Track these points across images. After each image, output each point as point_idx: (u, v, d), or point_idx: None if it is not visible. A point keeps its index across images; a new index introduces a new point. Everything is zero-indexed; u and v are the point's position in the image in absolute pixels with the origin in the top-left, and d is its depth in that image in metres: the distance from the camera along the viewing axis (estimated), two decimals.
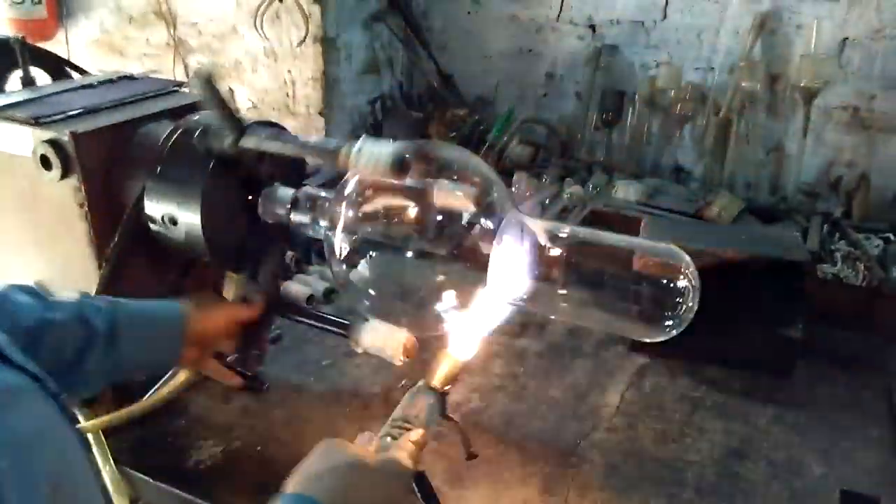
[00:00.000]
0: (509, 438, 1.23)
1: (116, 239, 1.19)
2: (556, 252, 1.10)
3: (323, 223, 1.13)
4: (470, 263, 1.07)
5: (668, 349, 1.35)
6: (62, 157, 1.16)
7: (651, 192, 2.13)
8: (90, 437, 1.14)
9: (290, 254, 1.65)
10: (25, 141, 1.19)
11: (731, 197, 2.11)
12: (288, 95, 2.52)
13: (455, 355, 0.99)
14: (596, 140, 2.43)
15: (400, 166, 0.96)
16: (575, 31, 2.42)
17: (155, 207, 1.16)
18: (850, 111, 2.12)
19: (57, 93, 1.36)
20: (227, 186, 1.16)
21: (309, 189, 1.17)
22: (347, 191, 1.10)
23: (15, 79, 1.60)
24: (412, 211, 1.07)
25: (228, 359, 1.22)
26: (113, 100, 1.31)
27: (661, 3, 2.26)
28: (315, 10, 2.34)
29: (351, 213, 1.10)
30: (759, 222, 2.04)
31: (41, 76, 1.64)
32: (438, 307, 1.06)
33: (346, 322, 1.16)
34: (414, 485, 0.87)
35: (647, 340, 1.15)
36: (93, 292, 1.16)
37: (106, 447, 1.13)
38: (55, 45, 2.66)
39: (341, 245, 1.11)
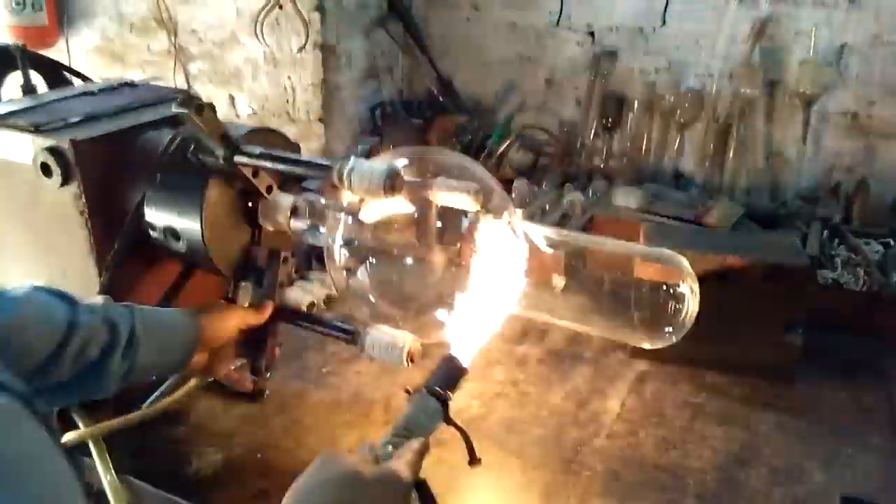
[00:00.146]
0: (510, 445, 1.23)
1: (117, 246, 1.19)
2: (555, 258, 1.10)
3: (322, 230, 1.14)
4: (469, 270, 1.07)
5: (668, 355, 1.36)
6: (62, 165, 1.16)
7: (651, 198, 2.13)
8: (91, 444, 1.14)
9: (290, 260, 1.65)
10: (26, 148, 1.19)
11: (731, 203, 2.11)
12: (288, 102, 2.53)
13: (459, 360, 0.99)
14: (596, 146, 2.43)
15: (392, 186, 0.96)
16: (574, 37, 2.43)
17: (155, 215, 1.17)
18: (848, 117, 2.12)
19: (57, 100, 1.37)
20: (227, 194, 1.16)
21: (309, 196, 1.17)
22: (346, 198, 1.10)
23: (13, 83, 1.60)
24: (411, 217, 1.08)
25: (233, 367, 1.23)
26: (113, 107, 1.31)
27: (660, 9, 2.27)
28: (315, 17, 2.35)
29: (350, 220, 1.10)
30: (759, 228, 2.04)
31: (42, 83, 1.64)
32: (437, 313, 1.06)
33: (351, 328, 1.16)
34: (415, 492, 0.86)
35: (648, 346, 1.15)
36: None
37: (106, 455, 1.13)
38: (56, 53, 2.66)
39: (340, 251, 1.11)
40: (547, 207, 2.07)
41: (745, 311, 1.36)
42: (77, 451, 1.14)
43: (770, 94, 2.19)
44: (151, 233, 1.18)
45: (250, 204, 1.18)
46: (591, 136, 2.43)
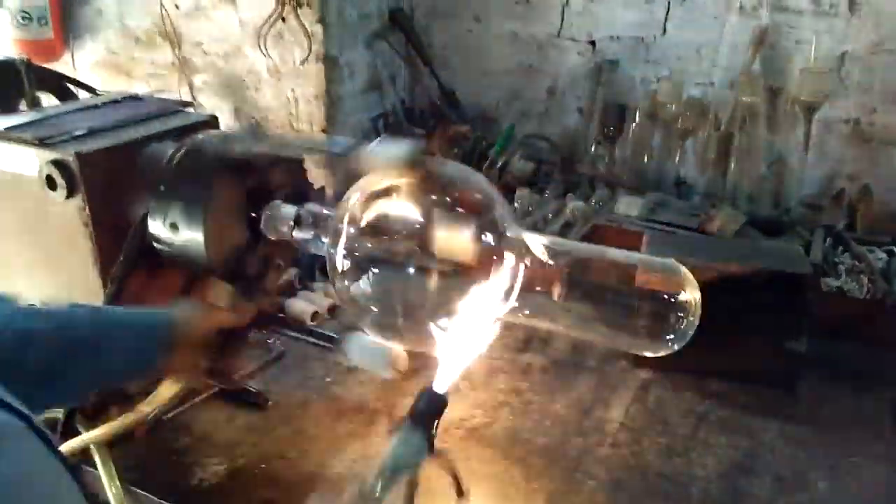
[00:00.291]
0: (513, 454, 1.23)
1: (121, 258, 1.20)
2: (557, 267, 1.10)
3: (325, 240, 1.14)
4: (472, 280, 1.07)
5: (672, 364, 1.36)
6: (67, 178, 1.17)
7: (653, 206, 2.13)
8: (96, 456, 1.14)
9: (293, 271, 1.66)
10: (31, 161, 1.21)
11: (733, 211, 2.10)
12: (291, 113, 2.54)
13: (439, 391, 0.96)
14: (598, 155, 2.44)
15: (415, 161, 0.98)
16: (575, 47, 2.44)
17: (159, 227, 1.17)
18: (851, 124, 2.13)
19: (62, 114, 1.38)
20: (230, 204, 1.17)
21: (311, 205, 1.18)
22: (349, 207, 1.11)
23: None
24: (413, 227, 1.08)
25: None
26: (118, 120, 1.33)
27: (661, 19, 2.28)
28: (318, 30, 2.37)
29: (352, 230, 1.10)
30: (762, 236, 2.04)
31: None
32: (440, 324, 1.06)
33: (334, 336, 1.16)
34: None
35: (650, 355, 1.15)
36: None
37: (111, 466, 1.13)
38: (62, 67, 2.68)
39: (343, 262, 1.12)
40: (549, 216, 2.08)
41: (748, 319, 1.36)
42: (81, 463, 1.15)
43: (771, 102, 2.20)
44: (156, 244, 1.19)
45: (254, 214, 1.18)
46: (593, 145, 2.44)
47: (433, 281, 1.07)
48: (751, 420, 1.33)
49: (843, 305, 1.66)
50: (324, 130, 2.50)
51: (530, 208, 2.14)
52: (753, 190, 2.26)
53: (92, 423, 1.19)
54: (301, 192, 1.25)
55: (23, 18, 2.68)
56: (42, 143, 1.20)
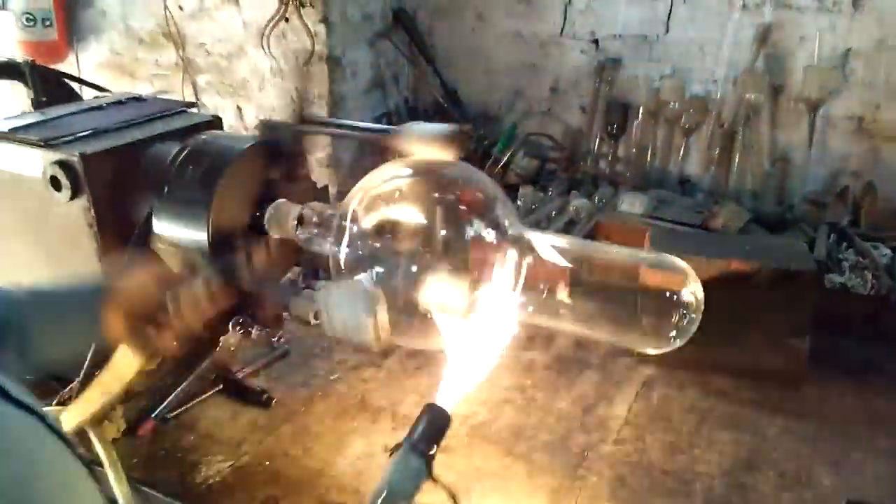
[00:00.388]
0: (517, 451, 1.23)
1: (126, 258, 1.20)
2: (560, 265, 1.11)
3: (328, 239, 1.14)
4: (474, 278, 1.07)
5: (676, 360, 1.36)
6: (72, 178, 1.18)
7: (657, 203, 2.13)
8: (103, 455, 1.14)
9: (296, 269, 1.66)
10: (35, 162, 1.21)
11: (737, 208, 2.10)
12: (294, 113, 2.55)
13: (442, 409, 0.90)
14: (601, 153, 2.44)
15: (453, 138, 0.99)
16: (578, 45, 2.44)
17: (163, 227, 1.18)
18: (854, 121, 2.12)
19: (66, 115, 1.38)
20: (234, 205, 1.17)
21: (315, 205, 1.18)
22: (351, 207, 1.12)
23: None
24: (416, 226, 1.09)
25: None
26: (121, 121, 1.33)
27: (663, 17, 2.28)
28: (321, 29, 2.37)
29: (355, 229, 1.11)
30: (766, 232, 2.04)
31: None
32: (441, 321, 1.06)
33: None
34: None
35: (653, 352, 1.15)
36: None
37: (119, 465, 1.14)
38: (66, 68, 2.69)
39: (346, 261, 1.12)
40: (553, 214, 2.08)
41: (752, 315, 1.36)
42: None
43: (775, 100, 2.19)
44: (159, 245, 1.19)
45: (258, 214, 1.19)
46: (597, 143, 2.44)
47: (436, 279, 1.07)
48: (754, 416, 1.32)
49: (846, 302, 1.66)
50: None
51: (534, 206, 2.14)
52: (757, 187, 2.25)
53: (96, 421, 1.19)
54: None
55: (27, 20, 2.69)
56: (46, 143, 1.20)
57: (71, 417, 1.11)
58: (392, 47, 2.61)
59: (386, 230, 1.11)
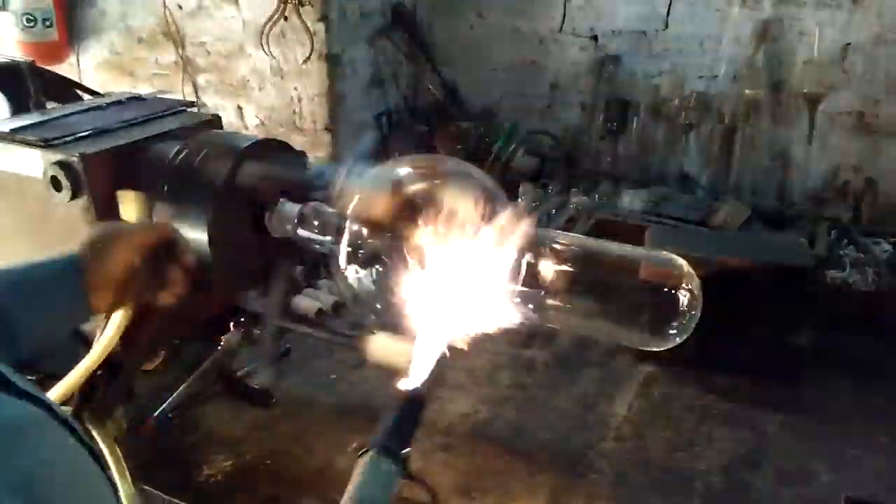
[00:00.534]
0: (517, 449, 1.24)
1: None
2: (559, 263, 1.11)
3: (329, 237, 1.15)
4: (474, 276, 1.08)
5: (676, 358, 1.36)
6: (72, 179, 1.18)
7: (657, 200, 2.14)
8: (106, 453, 1.15)
9: (299, 268, 1.66)
10: (35, 163, 1.21)
11: (738, 204, 2.11)
12: (295, 112, 2.55)
13: (413, 393, 0.86)
14: (601, 150, 2.44)
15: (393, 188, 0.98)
16: (577, 42, 2.44)
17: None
18: (854, 116, 2.12)
19: (66, 115, 1.38)
20: (234, 204, 1.17)
21: (315, 204, 1.18)
22: (352, 205, 1.12)
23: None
24: (415, 224, 1.09)
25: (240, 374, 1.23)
26: (122, 121, 1.33)
27: (662, 12, 2.27)
28: (320, 28, 2.37)
29: (356, 227, 1.11)
30: (766, 229, 2.04)
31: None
32: (442, 319, 1.06)
33: (355, 335, 1.17)
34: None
35: (653, 349, 1.16)
36: None
37: (123, 463, 1.14)
38: (67, 68, 2.70)
39: (347, 259, 1.12)
40: (553, 211, 2.08)
41: (752, 312, 1.36)
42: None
43: (775, 95, 2.19)
44: None
45: (259, 212, 1.19)
46: (597, 140, 2.44)
47: (436, 277, 1.07)
48: (754, 413, 1.33)
49: (846, 298, 1.66)
50: (328, 129, 2.51)
51: (534, 203, 2.14)
52: (757, 183, 2.25)
53: (98, 420, 1.20)
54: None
55: (27, 21, 2.69)
56: (47, 144, 1.20)
57: (59, 391, 1.06)
58: (391, 45, 2.61)
59: (386, 228, 1.11)
